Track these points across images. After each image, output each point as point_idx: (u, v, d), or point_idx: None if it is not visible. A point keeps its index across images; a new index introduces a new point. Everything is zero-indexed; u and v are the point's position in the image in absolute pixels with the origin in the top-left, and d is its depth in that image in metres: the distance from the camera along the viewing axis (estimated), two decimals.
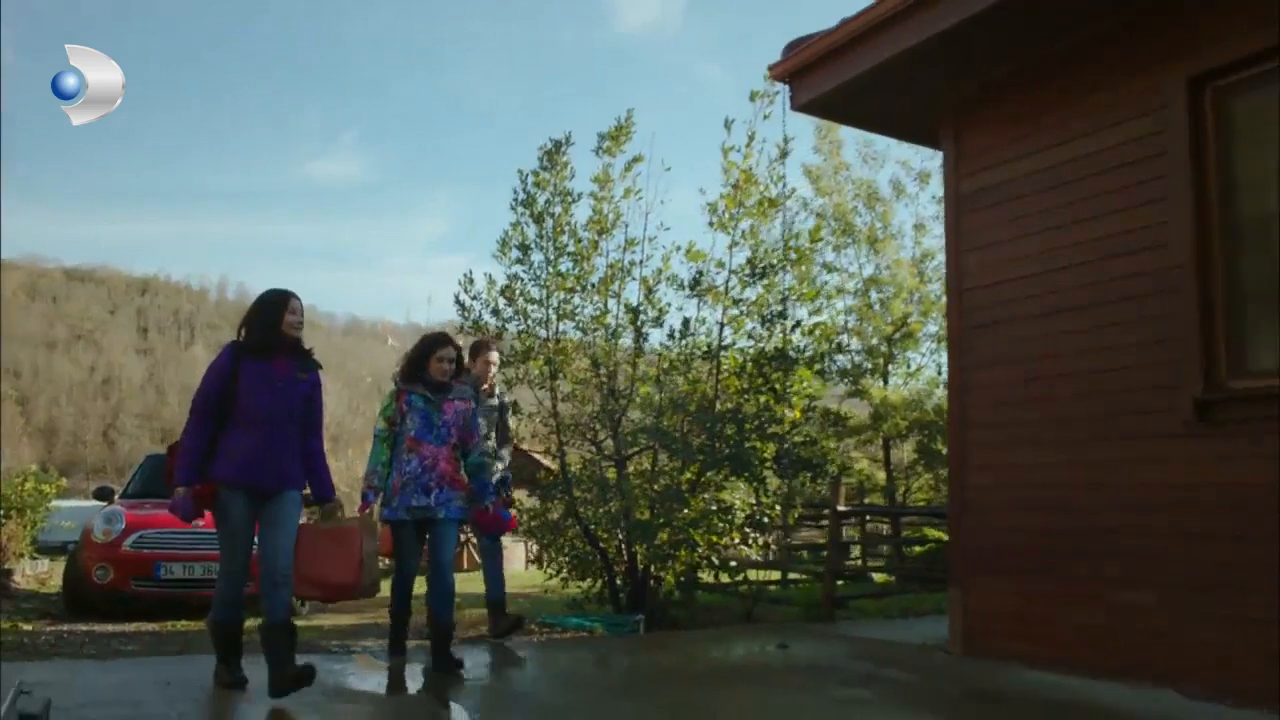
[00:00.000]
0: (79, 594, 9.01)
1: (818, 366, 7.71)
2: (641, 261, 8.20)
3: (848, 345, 17.30)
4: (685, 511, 7.37)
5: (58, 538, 16.74)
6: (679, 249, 8.18)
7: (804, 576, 10.05)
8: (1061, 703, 4.60)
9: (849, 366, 17.41)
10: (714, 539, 7.53)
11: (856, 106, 6.74)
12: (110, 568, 8.75)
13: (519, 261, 8.36)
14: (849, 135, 17.85)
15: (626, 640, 6.88)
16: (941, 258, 9.42)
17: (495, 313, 8.35)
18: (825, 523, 9.57)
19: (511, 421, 7.36)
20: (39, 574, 14.10)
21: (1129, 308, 5.13)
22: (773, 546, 9.02)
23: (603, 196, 8.30)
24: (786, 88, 6.74)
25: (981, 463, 5.89)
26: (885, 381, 17.66)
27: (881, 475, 18.24)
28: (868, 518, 13.24)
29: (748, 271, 7.70)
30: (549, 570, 8.80)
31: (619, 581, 8.02)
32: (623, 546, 7.84)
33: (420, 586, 5.70)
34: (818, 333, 7.76)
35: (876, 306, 17.53)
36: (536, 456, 10.24)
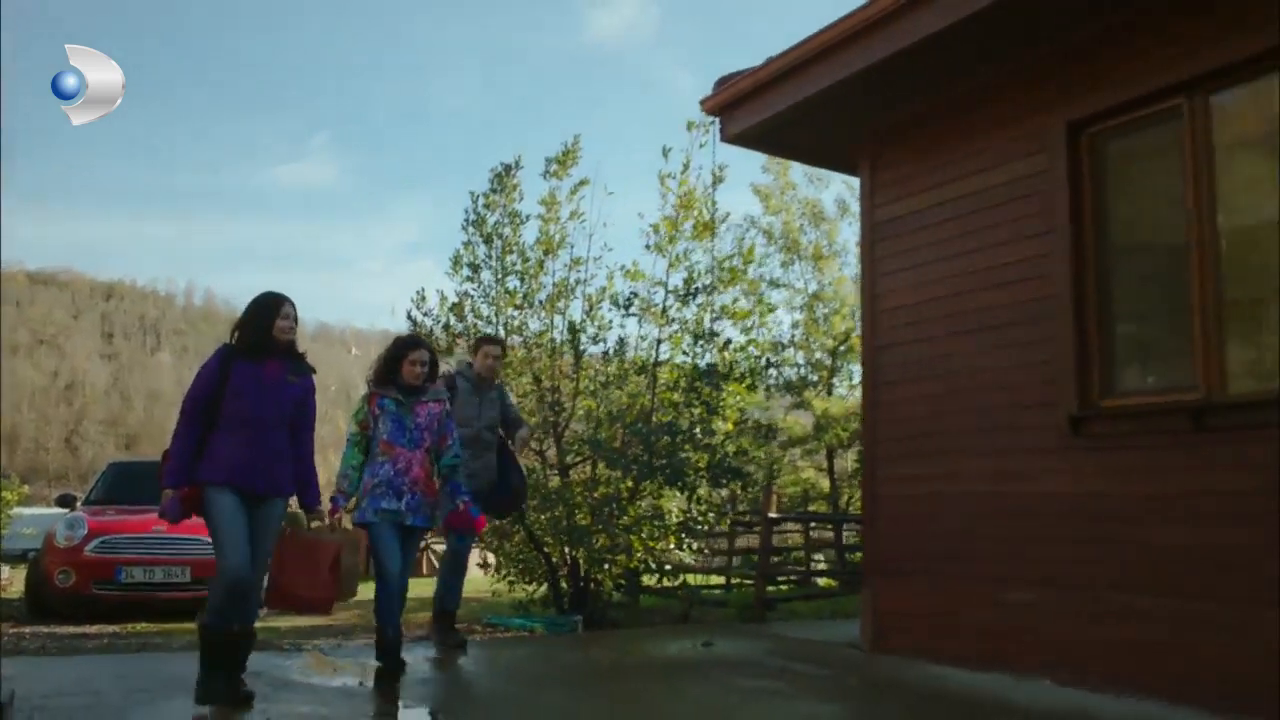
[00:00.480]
0: (41, 598, 9.29)
1: (748, 381, 8.18)
2: (585, 280, 8.63)
3: (794, 358, 17.87)
4: (624, 518, 7.80)
5: (19, 545, 16.84)
6: (623, 268, 8.64)
7: (746, 580, 10.49)
8: (946, 691, 5.06)
9: (794, 379, 17.97)
10: (651, 543, 7.96)
11: (782, 138, 7.21)
12: (72, 572, 9.03)
13: (469, 279, 8.77)
14: None
15: (564, 639, 7.29)
16: None
17: (446, 328, 8.75)
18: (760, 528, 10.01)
19: None
20: (1, 581, 14.28)
21: (1016, 331, 5.61)
22: (705, 550, 9.44)
23: (549, 218, 8.73)
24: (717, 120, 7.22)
25: (889, 473, 6.36)
26: (829, 393, 18.20)
27: (826, 483, 18.80)
28: (812, 525, 13.74)
29: (681, 292, 8.17)
30: (495, 576, 9.18)
31: (563, 585, 8.43)
32: (566, 551, 8.25)
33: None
34: (749, 350, 8.25)
35: (821, 321, 18.08)
36: None
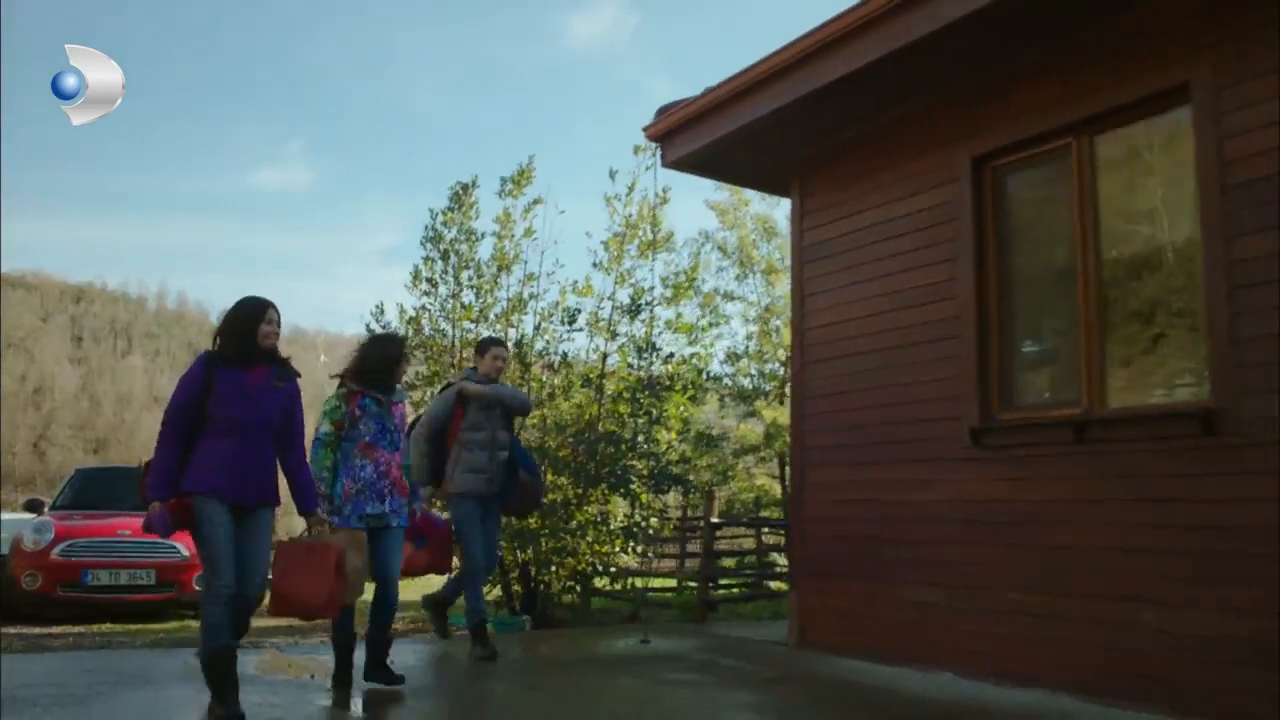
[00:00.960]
0: (8, 600, 9.55)
1: (690, 393, 8.60)
2: (538, 295, 9.03)
3: (748, 368, 18.32)
4: (571, 523, 8.19)
5: None
6: (575, 283, 9.05)
7: (694, 584, 10.89)
8: (853, 683, 5.47)
9: (748, 388, 18.44)
10: (598, 547, 8.35)
11: (719, 164, 7.63)
12: (39, 574, 9.32)
13: (426, 294, 9.14)
14: None
15: (512, 637, 7.64)
16: None
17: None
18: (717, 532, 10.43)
19: None
20: None
21: (927, 349, 6.04)
22: (649, 554, 9.83)
23: (504, 235, 9.11)
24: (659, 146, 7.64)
25: (814, 480, 6.78)
26: (782, 403, 18.68)
27: (779, 489, 19.25)
28: (765, 529, 14.17)
29: (627, 307, 8.58)
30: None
31: (515, 587, 8.80)
32: (517, 554, 8.62)
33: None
34: (693, 362, 8.67)
35: (774, 333, 18.55)
36: None
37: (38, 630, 8.36)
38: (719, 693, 5.24)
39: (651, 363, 8.48)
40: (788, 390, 18.91)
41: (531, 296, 9.09)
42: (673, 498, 9.07)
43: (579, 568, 8.43)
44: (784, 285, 18.61)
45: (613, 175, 8.57)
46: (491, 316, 9.12)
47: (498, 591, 9.00)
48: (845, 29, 5.81)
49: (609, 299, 8.83)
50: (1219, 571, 4.49)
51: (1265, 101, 4.55)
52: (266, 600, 4.93)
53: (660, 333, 8.64)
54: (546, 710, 4.86)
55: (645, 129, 7.59)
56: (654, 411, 8.30)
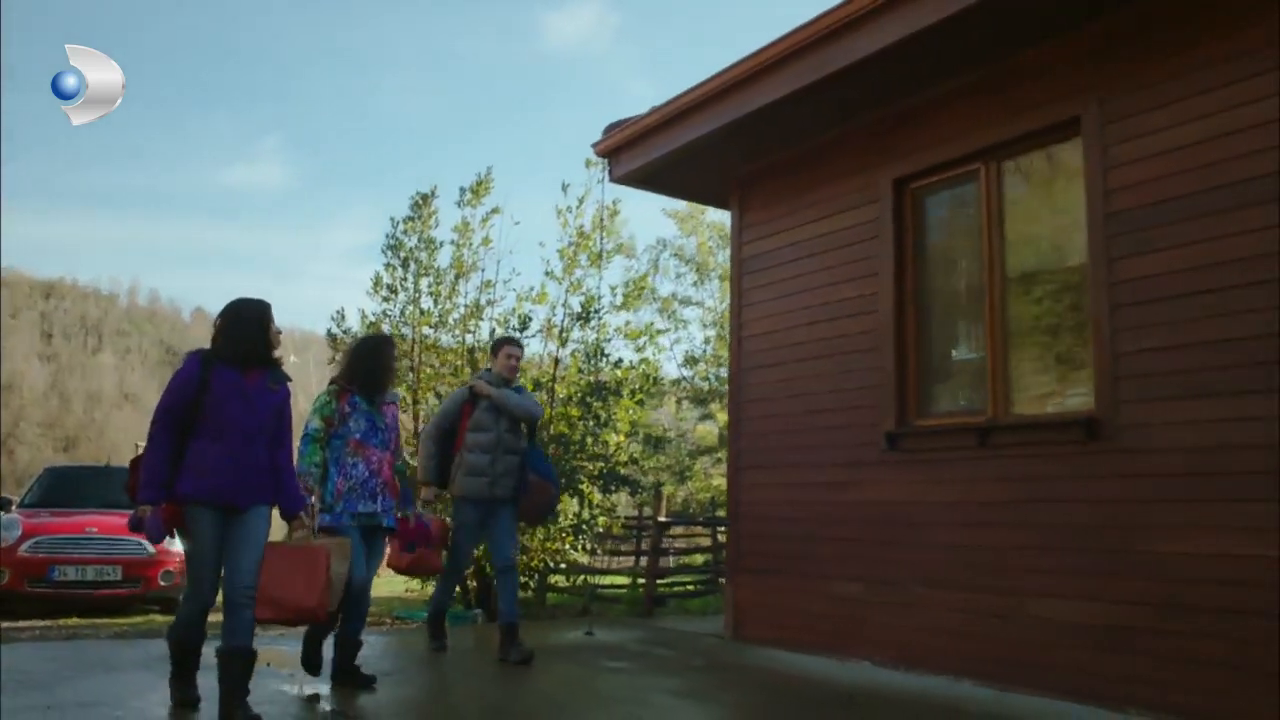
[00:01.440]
0: None
1: (638, 397, 8.98)
2: (495, 302, 9.38)
3: (705, 372, 18.72)
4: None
5: None
6: (532, 289, 9.41)
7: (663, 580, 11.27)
8: (774, 671, 5.86)
9: (706, 391, 18.84)
10: (549, 544, 8.71)
11: (664, 179, 8.02)
12: (6, 571, 9.56)
13: (386, 299, 9.47)
14: None
15: (465, 629, 8.00)
16: None
17: None
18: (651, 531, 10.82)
19: None
20: None
21: (851, 359, 6.43)
22: (599, 551, 10.20)
23: (462, 243, 9.46)
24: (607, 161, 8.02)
25: (748, 481, 7.17)
26: None
27: None
28: (721, 528, 14.53)
29: (578, 314, 8.96)
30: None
31: (470, 582, 9.14)
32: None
33: None
34: (641, 368, 9.05)
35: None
36: None
37: (5, 625, 8.61)
38: (648, 678, 5.62)
39: (601, 368, 8.86)
40: None
41: (489, 303, 9.44)
42: (625, 497, 9.39)
43: (531, 564, 8.79)
44: None
45: (565, 188, 8.98)
46: (450, 321, 9.47)
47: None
48: (773, 58, 6.20)
49: (563, 305, 9.21)
50: (1092, 564, 4.90)
51: (1144, 137, 4.97)
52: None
53: (610, 339, 9.02)
54: (484, 692, 5.22)
55: (594, 145, 7.95)
56: (602, 415, 8.68)
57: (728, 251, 20.84)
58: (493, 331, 9.13)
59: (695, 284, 18.91)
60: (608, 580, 11.12)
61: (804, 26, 5.99)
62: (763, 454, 7.07)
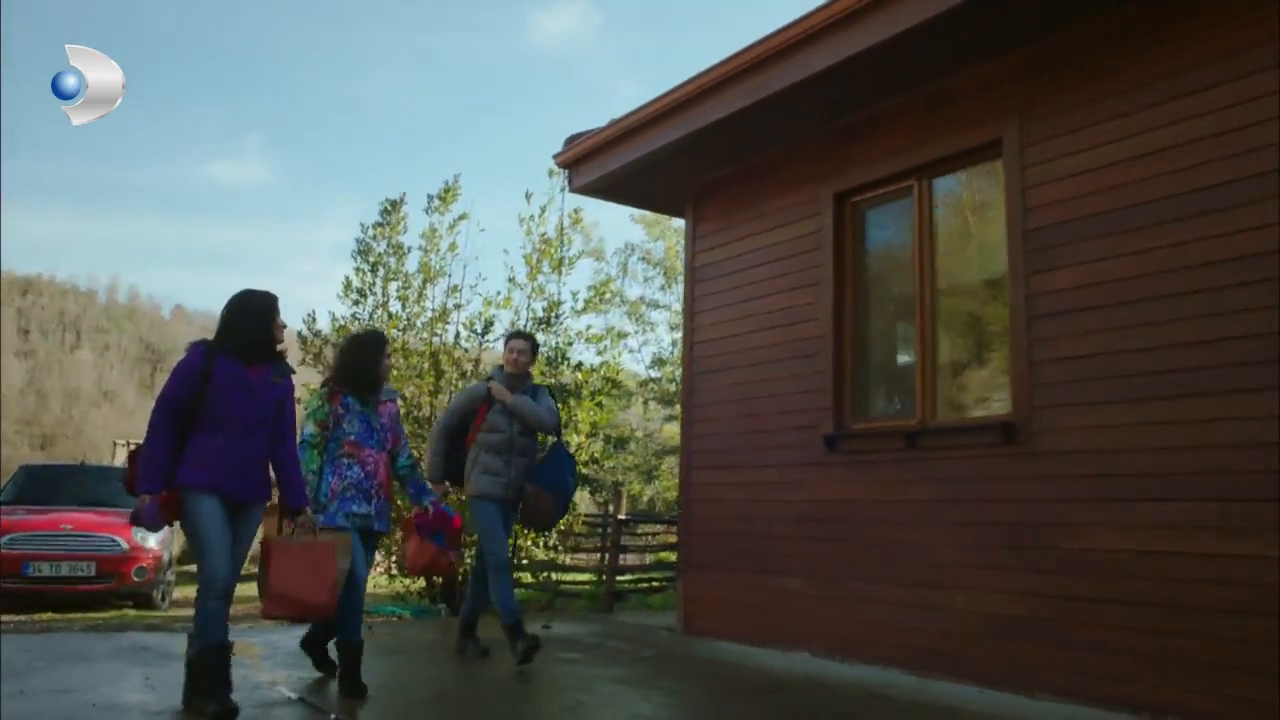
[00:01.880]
0: None
1: (598, 399, 9.29)
2: (461, 306, 9.66)
3: (672, 374, 19.02)
4: None
5: None
6: (498, 293, 9.71)
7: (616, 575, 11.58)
8: (717, 661, 6.18)
9: (672, 392, 19.15)
10: (509, 540, 8.98)
11: (622, 190, 8.32)
12: None
13: (356, 303, 9.74)
14: None
15: (428, 623, 8.29)
16: None
17: (334, 346, 9.69)
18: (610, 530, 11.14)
19: None
20: None
21: (794, 364, 6.75)
22: (559, 548, 10.49)
23: (430, 249, 9.74)
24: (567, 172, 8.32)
25: (699, 481, 7.48)
26: None
27: None
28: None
29: (541, 318, 9.26)
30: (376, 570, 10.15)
31: (435, 578, 9.42)
32: None
33: None
34: (602, 371, 9.36)
35: None
36: None
37: None
38: (596, 668, 5.92)
39: (562, 371, 9.16)
40: None
41: (456, 307, 9.73)
42: (586, 496, 9.69)
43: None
44: None
45: (528, 197, 9.28)
46: (418, 325, 9.73)
47: (421, 582, 9.62)
48: (720, 77, 6.52)
49: (527, 310, 9.51)
50: (1009, 560, 5.23)
51: (1060, 159, 5.30)
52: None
53: (573, 343, 9.32)
54: (436, 679, 5.51)
55: (555, 157, 8.25)
56: (562, 416, 8.95)
57: None
58: (458, 335, 9.43)
59: (663, 287, 19.27)
60: (570, 577, 11.42)
61: (748, 49, 6.30)
62: (712, 455, 7.38)
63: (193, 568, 21.03)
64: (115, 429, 65.98)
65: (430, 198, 9.77)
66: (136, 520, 4.23)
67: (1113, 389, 4.91)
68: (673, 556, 13.70)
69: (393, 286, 9.68)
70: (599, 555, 12.24)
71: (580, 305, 9.47)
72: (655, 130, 7.22)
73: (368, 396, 5.10)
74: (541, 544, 9.34)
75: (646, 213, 19.49)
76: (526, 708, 4.97)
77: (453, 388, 9.28)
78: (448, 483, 6.12)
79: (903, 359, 6.35)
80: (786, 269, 6.92)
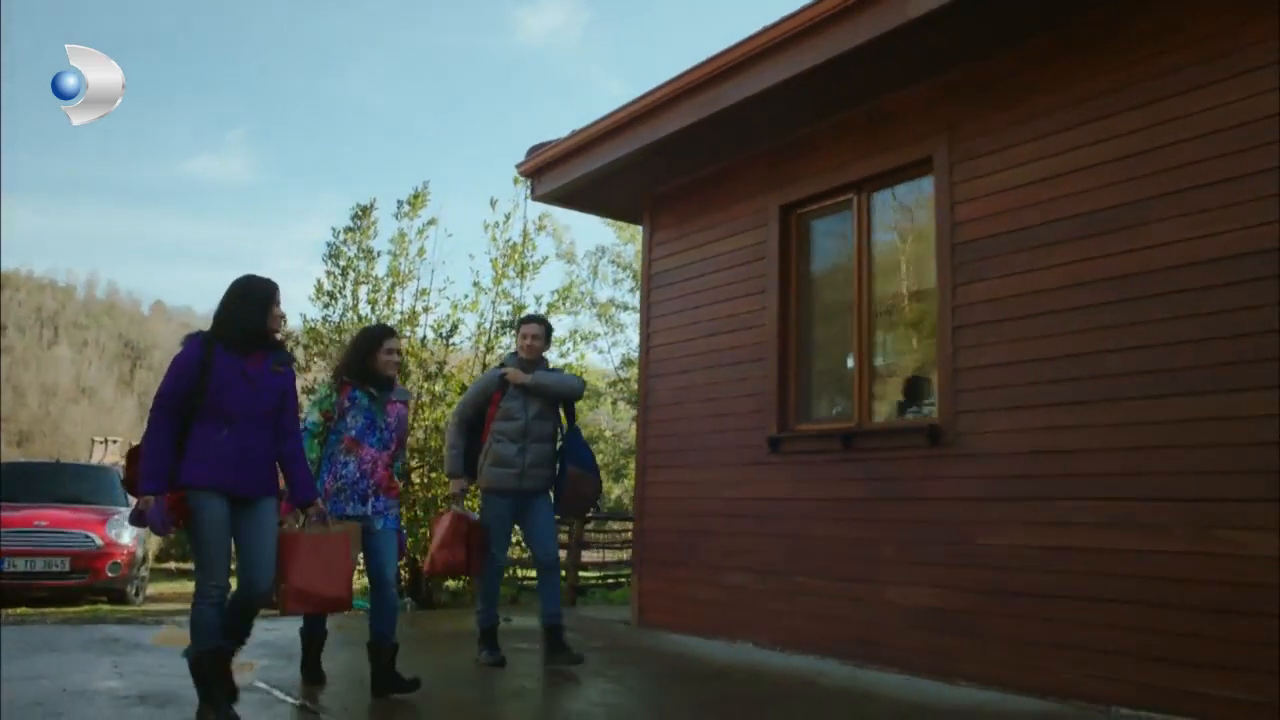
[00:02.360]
0: None
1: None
2: (430, 309, 9.94)
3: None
4: None
5: None
6: (465, 296, 10.00)
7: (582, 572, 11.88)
8: (665, 650, 6.49)
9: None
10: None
11: (583, 199, 8.61)
12: None
13: (326, 306, 10.00)
14: None
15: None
16: None
17: (305, 348, 9.95)
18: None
19: None
20: None
21: (742, 369, 7.06)
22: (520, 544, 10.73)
23: (399, 254, 10.01)
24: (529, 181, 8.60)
25: (653, 480, 7.78)
26: None
27: None
28: None
29: (506, 321, 9.56)
30: None
31: (404, 572, 9.70)
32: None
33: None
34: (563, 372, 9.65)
35: None
36: None
37: None
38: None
39: None
40: None
41: (424, 310, 10.00)
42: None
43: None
44: None
45: (493, 204, 9.57)
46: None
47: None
48: (671, 93, 6.82)
49: (493, 313, 9.80)
50: (935, 555, 5.55)
51: (986, 176, 5.62)
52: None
53: None
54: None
55: (518, 166, 8.53)
56: None
57: None
58: (424, 339, 9.69)
59: (633, 290, 19.49)
60: (535, 572, 11.68)
61: (697, 68, 6.60)
62: (665, 455, 7.68)
63: (169, 565, 21.16)
64: (94, 426, 65.77)
65: (400, 203, 10.06)
66: (139, 521, 4.03)
67: (1028, 395, 5.23)
68: None
69: (363, 290, 9.95)
70: (564, 552, 12.51)
71: (544, 309, 9.76)
72: (612, 142, 7.51)
73: (376, 392, 4.94)
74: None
75: None
76: (474, 692, 5.26)
77: (419, 388, 9.56)
78: (463, 479, 5.88)
79: (841, 364, 6.65)
80: (735, 277, 7.23)
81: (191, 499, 3.95)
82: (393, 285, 9.89)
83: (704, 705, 5.02)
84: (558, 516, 6.08)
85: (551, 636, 5.73)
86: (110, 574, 10.54)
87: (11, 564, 10.16)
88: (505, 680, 5.54)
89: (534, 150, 8.36)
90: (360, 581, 7.20)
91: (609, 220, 19.81)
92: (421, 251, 9.98)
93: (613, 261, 19.75)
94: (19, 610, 9.47)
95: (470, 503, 6.96)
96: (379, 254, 10.03)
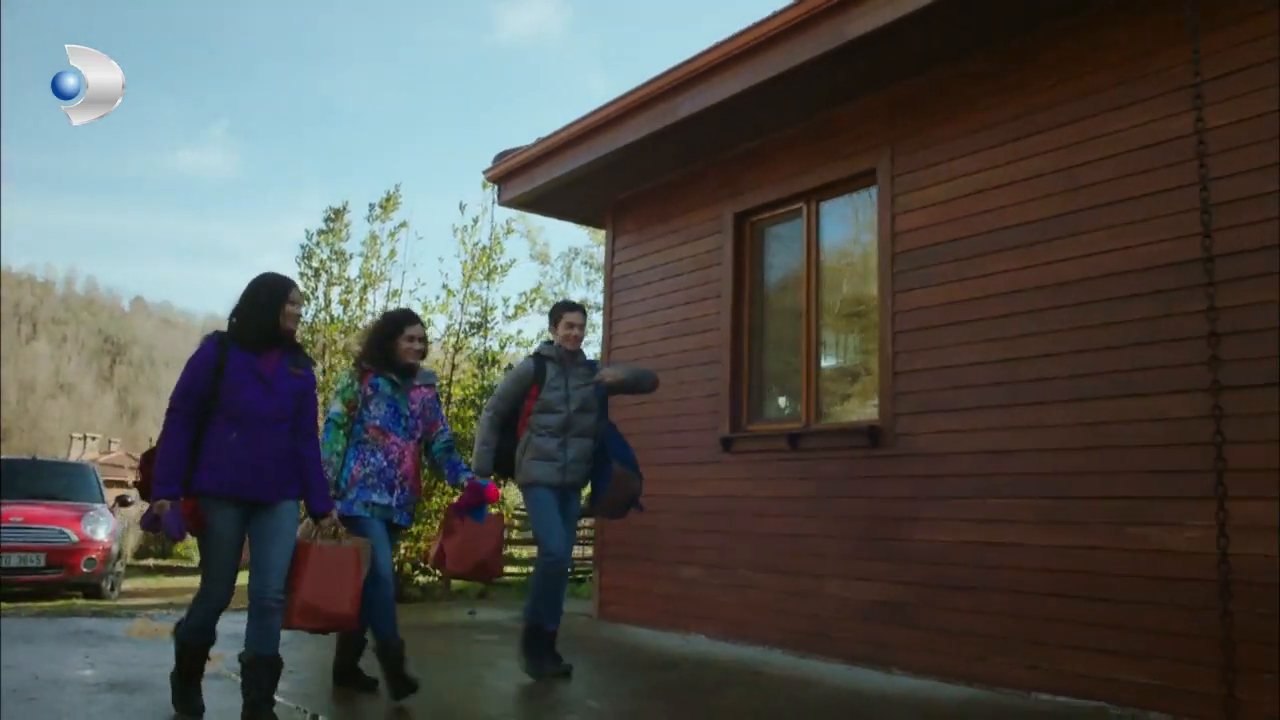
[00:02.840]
0: None
1: None
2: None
3: None
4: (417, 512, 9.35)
5: None
6: (437, 296, 10.23)
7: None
8: (620, 641, 6.74)
9: None
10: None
11: (548, 204, 8.84)
12: None
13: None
14: None
15: None
16: None
17: None
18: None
19: None
20: None
21: (697, 370, 7.31)
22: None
23: (371, 256, 10.22)
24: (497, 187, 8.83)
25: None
26: None
27: None
28: None
29: (476, 322, 9.80)
30: None
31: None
32: None
33: None
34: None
35: None
36: None
37: None
38: (506, 648, 6.43)
39: (494, 374, 9.69)
40: None
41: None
42: (514, 490, 10.19)
43: (427, 551, 9.59)
44: None
45: (462, 208, 9.84)
46: (360, 328, 10.20)
47: None
48: (630, 105, 7.05)
49: (462, 314, 10.04)
50: (875, 551, 5.82)
51: (924, 189, 5.88)
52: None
53: (505, 347, 9.86)
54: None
55: (485, 172, 8.76)
56: None
57: None
58: None
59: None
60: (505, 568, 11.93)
61: (654, 80, 6.84)
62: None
63: (146, 561, 21.29)
64: (72, 422, 65.53)
65: (372, 206, 10.26)
66: (153, 525, 3.88)
67: (962, 398, 5.50)
68: None
69: (335, 291, 10.16)
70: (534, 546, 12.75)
71: (511, 311, 10.03)
72: (573, 151, 7.75)
73: (399, 379, 4.80)
74: None
75: None
76: (432, 678, 5.46)
77: None
78: (495, 476, 5.57)
79: (791, 366, 6.92)
80: (692, 282, 7.48)
81: (204, 506, 3.87)
82: (365, 286, 10.11)
83: (649, 692, 5.27)
84: (587, 519, 5.64)
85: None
86: (85, 569, 10.73)
87: None
88: (463, 669, 5.77)
89: (500, 157, 8.59)
90: None
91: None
92: (393, 254, 10.23)
93: (585, 263, 20.05)
94: None
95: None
96: (351, 256, 10.26)
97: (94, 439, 46.27)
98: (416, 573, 10.10)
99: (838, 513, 6.08)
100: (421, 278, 13.54)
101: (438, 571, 6.89)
